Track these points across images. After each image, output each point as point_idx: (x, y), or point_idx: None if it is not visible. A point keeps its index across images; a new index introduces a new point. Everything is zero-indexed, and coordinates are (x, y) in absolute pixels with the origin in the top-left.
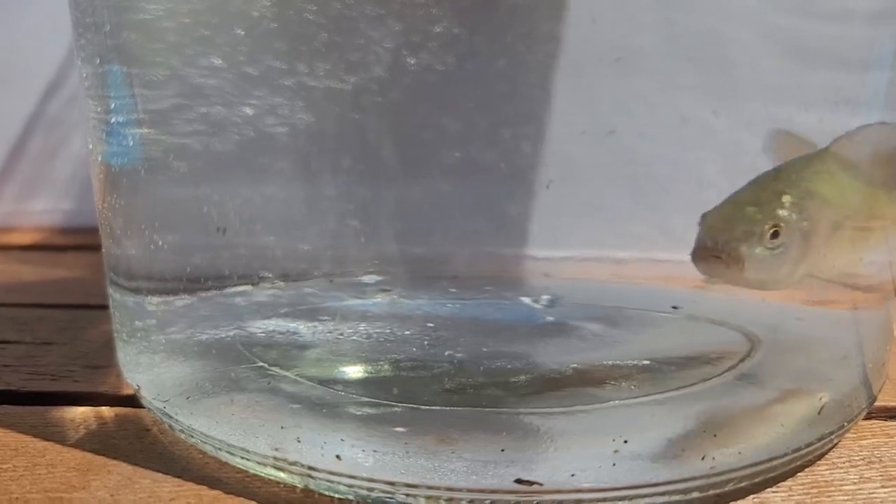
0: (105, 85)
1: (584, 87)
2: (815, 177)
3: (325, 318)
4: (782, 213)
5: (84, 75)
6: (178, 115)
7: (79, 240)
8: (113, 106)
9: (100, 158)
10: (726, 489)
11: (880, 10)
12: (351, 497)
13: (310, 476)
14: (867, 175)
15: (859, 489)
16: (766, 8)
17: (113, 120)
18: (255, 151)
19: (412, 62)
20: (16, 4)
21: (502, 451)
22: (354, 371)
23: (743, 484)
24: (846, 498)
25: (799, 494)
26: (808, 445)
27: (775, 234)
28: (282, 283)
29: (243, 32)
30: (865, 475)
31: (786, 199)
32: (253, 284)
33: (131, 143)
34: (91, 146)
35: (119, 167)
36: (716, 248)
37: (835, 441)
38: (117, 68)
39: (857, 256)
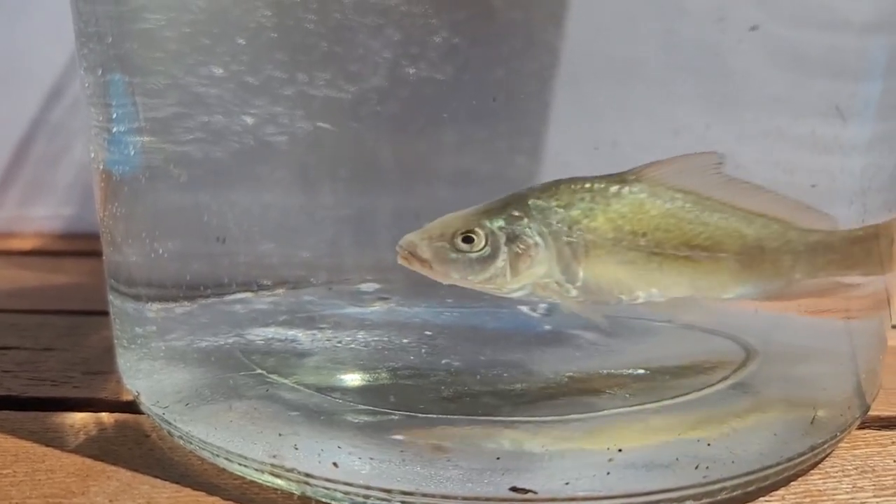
0: (107, 94)
1: (583, 97)
2: (570, 196)
3: (324, 325)
4: (488, 222)
5: (86, 84)
6: (178, 123)
7: (79, 246)
8: (115, 115)
9: (101, 166)
10: (720, 498)
11: (873, 20)
12: None
13: (307, 483)
14: (681, 203)
15: (852, 498)
16: (762, 19)
17: (114, 128)
18: (255, 160)
19: (411, 72)
20: (19, 10)
21: (497, 459)
22: (352, 379)
23: (736, 493)
24: None
25: (792, 503)
26: (801, 455)
27: (468, 240)
28: (281, 291)
29: (244, 42)
30: (858, 484)
31: (507, 211)
32: (252, 292)
33: (132, 152)
34: (93, 154)
35: (120, 175)
36: (402, 247)
37: (828, 450)
38: (119, 77)
39: (658, 281)
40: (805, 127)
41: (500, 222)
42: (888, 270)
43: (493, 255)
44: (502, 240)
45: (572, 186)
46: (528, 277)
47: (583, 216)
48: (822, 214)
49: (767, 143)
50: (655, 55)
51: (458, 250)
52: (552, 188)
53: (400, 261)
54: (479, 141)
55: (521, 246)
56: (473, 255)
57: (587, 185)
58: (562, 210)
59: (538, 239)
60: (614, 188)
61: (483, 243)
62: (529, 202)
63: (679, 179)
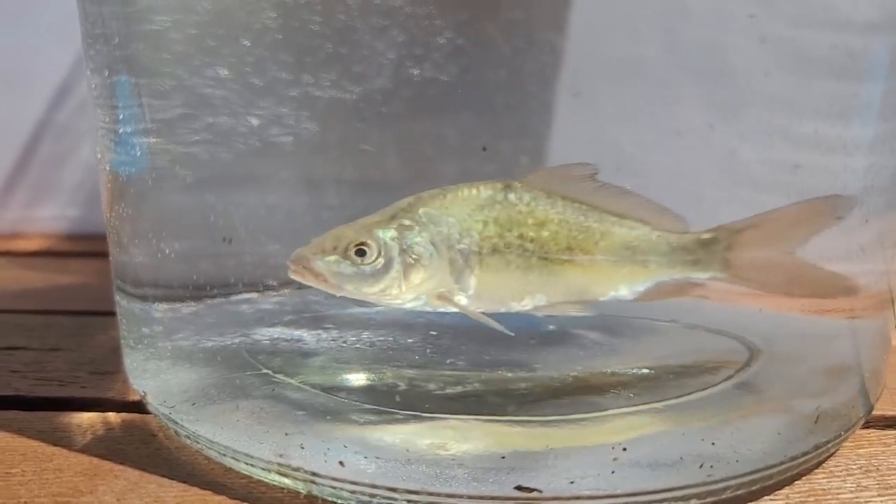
0: (113, 95)
1: (585, 97)
2: (459, 204)
3: (329, 325)
4: (380, 233)
5: (93, 85)
6: (184, 124)
7: (85, 246)
8: (121, 116)
9: (108, 167)
10: (724, 496)
11: (876, 20)
12: (353, 503)
13: (313, 482)
14: (561, 208)
15: (856, 498)
16: (764, 19)
17: (121, 130)
18: (261, 161)
19: (415, 73)
20: (25, 11)
21: (502, 458)
22: (357, 378)
23: (740, 492)
24: None
25: (795, 502)
26: (804, 454)
27: (361, 252)
28: (286, 291)
29: (249, 43)
30: (862, 484)
31: (398, 221)
32: (258, 292)
33: (139, 153)
34: (99, 155)
35: (127, 176)
36: (294, 261)
37: (832, 450)
38: (125, 79)
39: (545, 285)
40: (808, 127)
41: (392, 233)
42: (728, 272)
43: (386, 267)
44: (395, 251)
45: (460, 194)
46: (422, 288)
47: (473, 223)
48: (677, 217)
49: (770, 142)
50: (658, 55)
51: (352, 263)
52: (440, 196)
53: (292, 275)
54: (483, 142)
55: (414, 256)
56: (367, 268)
57: (475, 192)
58: (452, 218)
59: (430, 248)
60: (500, 195)
61: (376, 255)
62: (420, 211)
63: (558, 186)
